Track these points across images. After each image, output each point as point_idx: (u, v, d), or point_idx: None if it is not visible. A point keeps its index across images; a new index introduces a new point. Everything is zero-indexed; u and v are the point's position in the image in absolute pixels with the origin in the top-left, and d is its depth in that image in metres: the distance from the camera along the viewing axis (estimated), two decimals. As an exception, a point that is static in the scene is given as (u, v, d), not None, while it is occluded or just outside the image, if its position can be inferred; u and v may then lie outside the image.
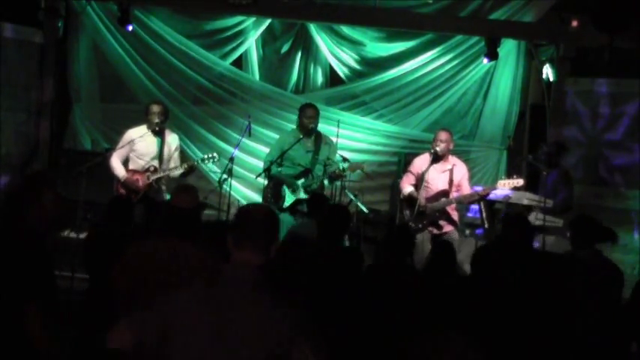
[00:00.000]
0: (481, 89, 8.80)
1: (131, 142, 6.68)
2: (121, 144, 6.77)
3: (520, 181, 6.62)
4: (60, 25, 8.29)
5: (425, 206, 6.64)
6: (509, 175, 6.97)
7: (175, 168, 6.73)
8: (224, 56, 8.68)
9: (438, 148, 6.66)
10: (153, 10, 8.50)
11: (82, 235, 6.94)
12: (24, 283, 3.13)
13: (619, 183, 8.01)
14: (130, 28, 8.05)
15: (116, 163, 6.71)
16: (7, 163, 7.66)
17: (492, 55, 8.02)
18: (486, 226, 6.88)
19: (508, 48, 8.53)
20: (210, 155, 6.97)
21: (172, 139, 6.86)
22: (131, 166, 6.75)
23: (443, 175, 6.72)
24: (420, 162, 6.84)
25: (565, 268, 4.21)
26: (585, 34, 7.88)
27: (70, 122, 8.65)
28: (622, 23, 7.32)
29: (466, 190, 6.75)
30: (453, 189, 6.71)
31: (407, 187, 6.82)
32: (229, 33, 8.67)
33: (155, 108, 6.72)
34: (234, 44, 8.69)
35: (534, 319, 3.66)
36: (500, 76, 8.70)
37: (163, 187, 6.90)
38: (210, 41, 8.71)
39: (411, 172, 6.87)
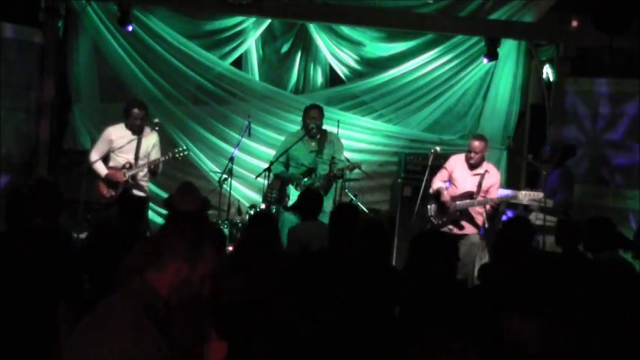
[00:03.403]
0: (481, 89, 8.80)
1: (111, 140, 6.85)
2: (100, 142, 6.96)
3: (540, 195, 6.62)
4: (60, 25, 8.28)
5: (449, 203, 6.65)
6: (511, 177, 6.99)
7: (148, 163, 6.83)
8: (224, 56, 8.67)
9: (472, 162, 6.69)
10: (153, 10, 8.49)
11: (83, 235, 6.97)
12: (56, 282, 3.15)
13: (619, 183, 8.01)
14: (130, 28, 8.04)
15: (97, 161, 6.85)
16: (7, 163, 7.66)
17: (492, 55, 8.02)
18: (486, 226, 6.88)
19: (508, 48, 8.53)
20: (179, 149, 7.07)
21: (151, 137, 6.95)
22: (111, 164, 6.91)
23: (473, 178, 6.71)
24: (455, 161, 6.83)
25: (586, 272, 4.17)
26: (585, 34, 7.89)
27: (70, 122, 8.65)
28: (622, 23, 7.32)
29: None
30: (480, 194, 6.68)
31: (437, 182, 6.82)
32: (229, 33, 8.66)
33: (137, 112, 6.89)
34: (234, 44, 8.67)
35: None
36: (500, 76, 8.70)
37: (143, 184, 6.98)
38: (210, 41, 8.70)
39: (446, 169, 6.86)
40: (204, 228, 2.33)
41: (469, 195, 6.66)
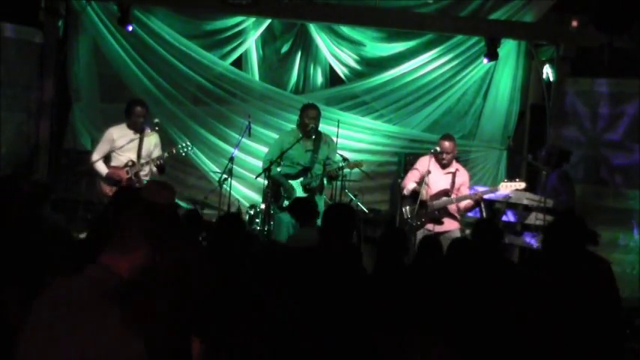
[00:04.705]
0: (481, 89, 8.81)
1: (113, 140, 6.85)
2: (102, 143, 6.93)
3: (522, 184, 6.71)
4: (60, 25, 8.29)
5: (426, 202, 6.67)
6: (510, 177, 7.02)
7: (150, 161, 6.83)
8: (224, 56, 8.68)
9: (444, 161, 6.76)
10: (153, 10, 8.50)
11: (83, 235, 6.97)
12: None
13: (619, 183, 8.02)
14: (130, 28, 8.05)
15: (98, 161, 6.83)
16: (7, 163, 7.66)
17: (492, 55, 8.03)
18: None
19: (508, 48, 8.54)
20: (183, 144, 7.10)
21: (152, 136, 6.97)
22: (113, 163, 6.92)
23: (445, 177, 6.80)
24: (425, 161, 6.86)
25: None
26: (585, 34, 7.89)
27: (70, 122, 8.65)
28: (622, 23, 7.32)
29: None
30: (454, 192, 6.75)
31: (410, 183, 6.85)
32: (229, 33, 8.67)
33: (139, 110, 6.90)
34: (234, 44, 8.68)
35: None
36: (500, 76, 8.71)
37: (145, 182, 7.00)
38: (210, 41, 8.71)
39: (417, 170, 6.89)
40: (170, 216, 2.34)
41: (444, 193, 6.75)
